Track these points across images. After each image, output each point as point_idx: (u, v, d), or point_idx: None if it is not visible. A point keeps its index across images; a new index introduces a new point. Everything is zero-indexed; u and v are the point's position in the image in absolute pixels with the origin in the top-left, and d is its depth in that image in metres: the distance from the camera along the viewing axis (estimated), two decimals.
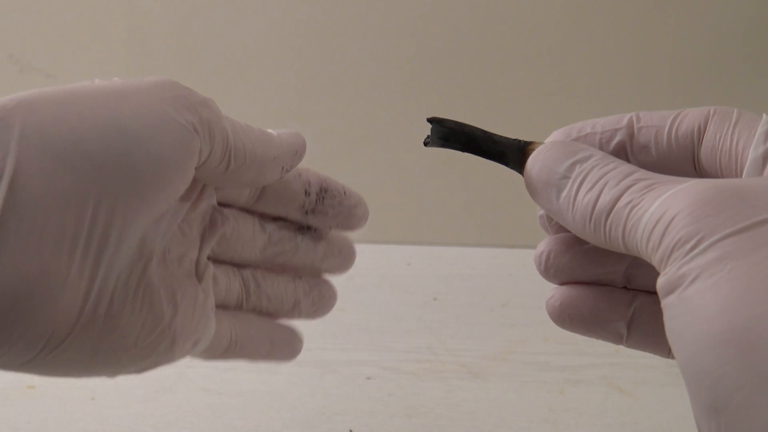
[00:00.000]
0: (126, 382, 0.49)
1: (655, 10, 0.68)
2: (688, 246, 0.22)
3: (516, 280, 0.64)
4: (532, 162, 0.28)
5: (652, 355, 0.26)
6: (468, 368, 0.51)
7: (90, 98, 0.26)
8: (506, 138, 0.30)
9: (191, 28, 0.70)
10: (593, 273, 0.30)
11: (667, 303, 0.22)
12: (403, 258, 0.69)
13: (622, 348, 0.28)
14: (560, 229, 0.31)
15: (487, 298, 0.61)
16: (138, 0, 0.70)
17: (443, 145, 0.30)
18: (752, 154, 0.26)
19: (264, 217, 0.35)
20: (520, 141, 0.30)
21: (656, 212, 0.24)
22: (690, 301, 0.22)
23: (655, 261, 0.23)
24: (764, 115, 0.27)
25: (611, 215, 0.25)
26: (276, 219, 0.35)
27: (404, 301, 0.61)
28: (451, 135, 0.30)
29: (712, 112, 0.28)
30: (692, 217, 0.23)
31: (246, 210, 0.35)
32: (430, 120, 0.30)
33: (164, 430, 0.44)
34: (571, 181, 0.27)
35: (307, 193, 0.34)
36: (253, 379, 0.50)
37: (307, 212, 0.35)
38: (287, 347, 0.36)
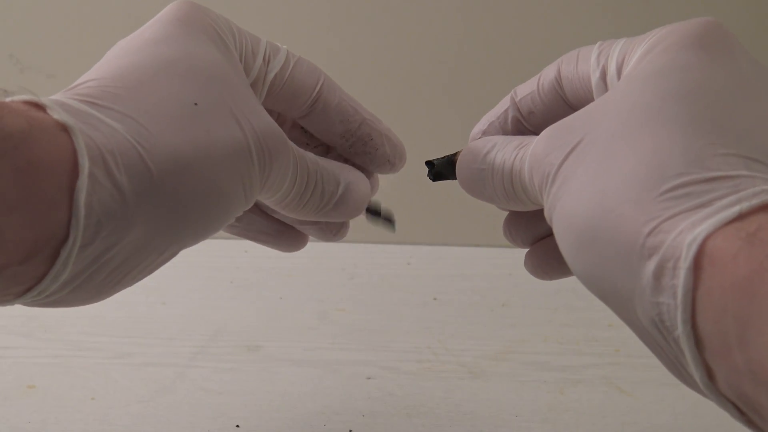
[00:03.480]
0: (126, 382, 0.49)
1: (654, 7, 0.68)
2: (545, 183, 0.28)
3: (516, 280, 0.64)
4: (459, 170, 0.34)
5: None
6: (468, 368, 0.51)
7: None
8: (439, 158, 0.36)
9: None
10: (548, 226, 0.35)
11: (554, 231, 0.28)
12: (403, 258, 0.69)
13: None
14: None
15: (487, 298, 0.61)
16: (138, 0, 0.70)
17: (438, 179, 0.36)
18: (593, 79, 0.31)
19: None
20: (447, 156, 0.36)
21: (528, 169, 0.29)
22: (555, 228, 0.27)
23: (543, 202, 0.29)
24: (598, 42, 0.32)
25: (513, 185, 0.31)
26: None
27: (404, 301, 0.61)
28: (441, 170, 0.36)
29: (560, 60, 0.33)
30: (541, 160, 0.28)
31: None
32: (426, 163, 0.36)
33: (164, 430, 0.44)
34: (486, 170, 0.32)
35: (345, 138, 0.37)
36: (253, 379, 0.50)
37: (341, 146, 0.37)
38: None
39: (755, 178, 0.23)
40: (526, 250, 0.37)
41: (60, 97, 0.26)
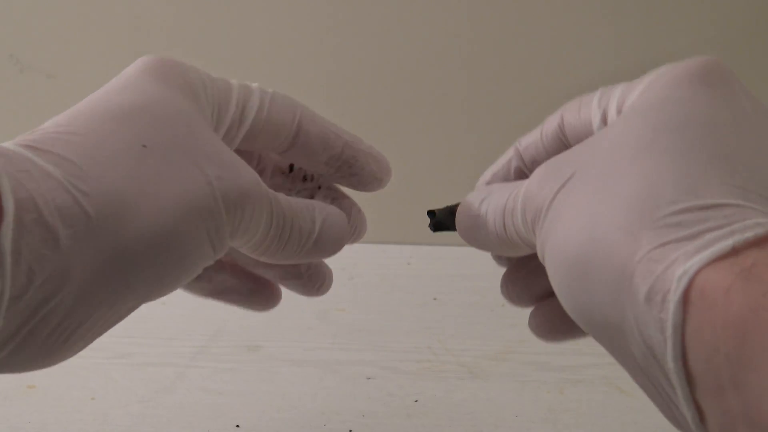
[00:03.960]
0: (126, 382, 0.49)
1: (655, 11, 0.68)
2: (538, 218, 0.27)
3: None
4: (458, 219, 0.34)
5: None
6: (468, 368, 0.51)
7: None
8: (441, 209, 0.36)
9: (193, 28, 0.70)
10: (546, 284, 0.33)
11: (546, 267, 0.27)
12: (403, 258, 0.69)
13: None
14: (508, 261, 0.37)
15: (487, 298, 0.61)
16: (138, 0, 0.70)
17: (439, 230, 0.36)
18: (594, 123, 0.31)
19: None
20: (448, 206, 0.36)
21: (521, 207, 0.29)
22: (546, 263, 0.27)
23: (535, 243, 0.28)
24: (600, 88, 0.32)
25: (505, 226, 0.31)
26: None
27: (404, 301, 0.61)
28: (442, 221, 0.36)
29: (563, 108, 0.33)
30: (534, 196, 0.28)
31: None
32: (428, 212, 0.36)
33: (164, 430, 0.44)
34: (481, 216, 0.32)
35: (330, 165, 0.36)
36: (253, 379, 0.50)
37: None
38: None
39: (748, 209, 0.23)
40: (504, 294, 0.37)
41: (7, 143, 0.26)
